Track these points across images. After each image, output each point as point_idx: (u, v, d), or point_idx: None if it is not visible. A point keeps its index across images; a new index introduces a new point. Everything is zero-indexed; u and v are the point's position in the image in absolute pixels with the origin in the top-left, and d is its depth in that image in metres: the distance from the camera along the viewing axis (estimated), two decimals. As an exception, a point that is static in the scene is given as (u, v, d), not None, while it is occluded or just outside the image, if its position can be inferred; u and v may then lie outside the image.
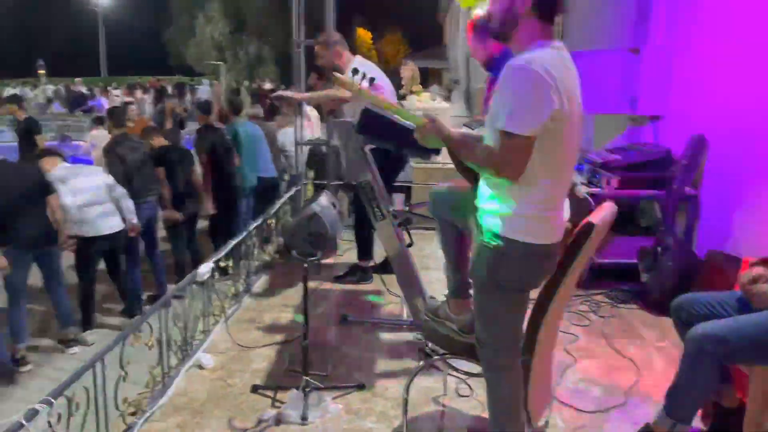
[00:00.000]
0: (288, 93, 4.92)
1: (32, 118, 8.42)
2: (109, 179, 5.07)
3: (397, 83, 15.03)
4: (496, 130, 1.87)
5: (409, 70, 10.92)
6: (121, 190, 5.07)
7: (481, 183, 2.09)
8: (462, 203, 2.37)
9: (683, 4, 4.54)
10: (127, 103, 11.71)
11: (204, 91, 23.39)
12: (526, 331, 2.28)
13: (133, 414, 2.75)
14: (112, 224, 4.97)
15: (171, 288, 4.39)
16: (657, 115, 4.83)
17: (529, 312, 2.28)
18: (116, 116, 5.98)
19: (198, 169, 6.13)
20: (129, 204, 5.10)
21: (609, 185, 4.28)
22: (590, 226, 2.12)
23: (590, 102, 5.49)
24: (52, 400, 2.06)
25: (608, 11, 5.82)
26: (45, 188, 4.73)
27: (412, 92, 11.76)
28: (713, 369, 2.16)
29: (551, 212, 2.00)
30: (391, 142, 3.17)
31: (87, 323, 5.08)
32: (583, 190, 4.33)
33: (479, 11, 8.61)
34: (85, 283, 5.05)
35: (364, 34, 45.83)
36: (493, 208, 2.00)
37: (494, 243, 1.99)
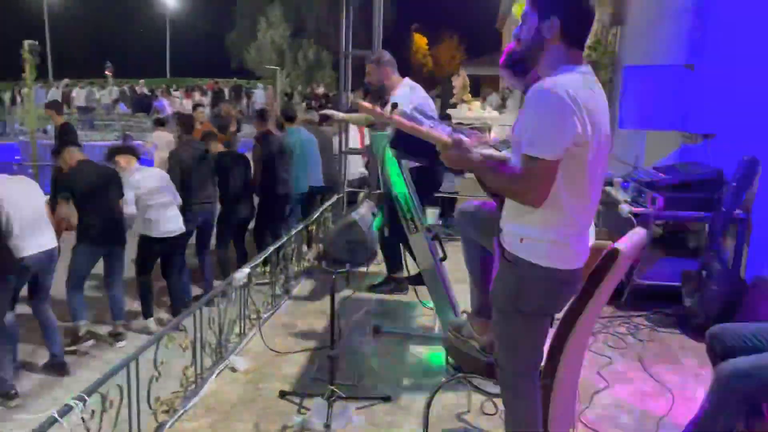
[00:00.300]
0: (330, 112, 5.08)
1: (69, 123, 8.65)
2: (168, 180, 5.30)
3: (449, 91, 15.01)
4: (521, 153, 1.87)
5: (460, 79, 10.92)
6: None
7: (506, 205, 2.09)
8: (487, 223, 2.37)
9: (741, 20, 4.38)
10: (196, 105, 12.13)
11: (259, 95, 23.94)
12: (547, 355, 2.26)
13: (165, 412, 2.86)
14: (174, 227, 5.17)
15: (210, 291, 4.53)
16: (710, 134, 4.67)
17: (550, 334, 2.26)
18: (185, 123, 6.21)
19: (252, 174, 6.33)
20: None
21: (654, 205, 4.16)
22: (615, 253, 2.08)
23: (642, 117, 5.42)
24: (86, 397, 2.18)
25: (664, 26, 5.67)
26: (120, 187, 5.00)
27: (463, 101, 11.75)
28: (739, 406, 2.09)
29: (575, 237, 1.98)
30: (424, 157, 3.19)
31: (147, 313, 5.30)
32: (626, 210, 4.27)
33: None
34: (144, 277, 5.28)
35: (419, 40, 45.90)
36: (516, 231, 2.00)
37: (516, 266, 1.98)
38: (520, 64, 2.79)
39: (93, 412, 2.26)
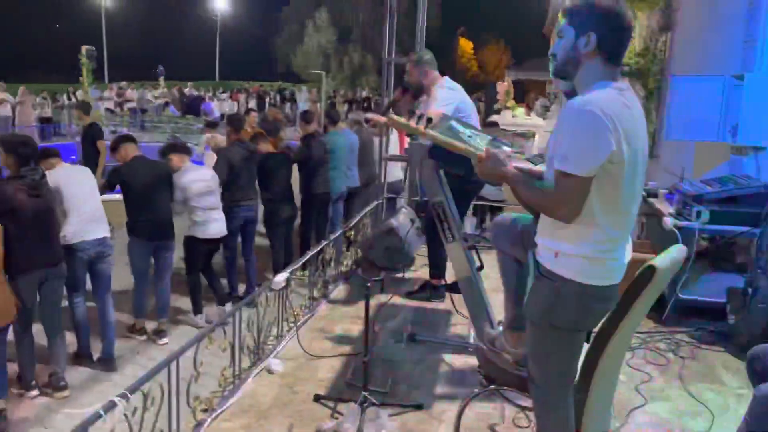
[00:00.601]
0: (372, 115, 5.15)
1: (96, 123, 8.74)
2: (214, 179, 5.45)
3: (493, 96, 14.90)
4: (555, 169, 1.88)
5: (504, 85, 10.85)
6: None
7: (541, 219, 2.09)
8: (523, 237, 2.37)
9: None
10: (249, 110, 12.40)
11: (302, 98, 24.30)
12: (582, 370, 2.24)
13: (204, 411, 2.95)
14: (220, 229, 5.32)
15: (252, 293, 4.63)
16: (760, 146, 4.53)
17: (585, 348, 2.25)
18: (235, 123, 6.39)
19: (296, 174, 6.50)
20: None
21: (699, 219, 4.06)
22: (651, 270, 2.05)
23: (690, 128, 5.30)
24: (129, 395, 2.28)
25: (714, 37, 5.53)
26: (170, 184, 5.19)
27: (507, 107, 11.68)
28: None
29: (610, 254, 1.97)
30: (461, 167, 3.20)
31: (197, 310, 5.47)
32: (670, 223, 4.18)
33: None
34: (193, 276, 5.45)
35: (465, 44, 45.66)
36: (551, 246, 2.00)
37: (550, 281, 1.99)
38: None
39: (135, 409, 2.36)
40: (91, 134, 8.08)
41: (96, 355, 4.82)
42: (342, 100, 24.94)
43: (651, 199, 4.71)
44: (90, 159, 7.89)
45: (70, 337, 4.67)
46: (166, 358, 2.64)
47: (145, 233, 5.08)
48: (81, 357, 4.79)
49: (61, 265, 4.27)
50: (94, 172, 5.37)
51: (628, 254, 2.09)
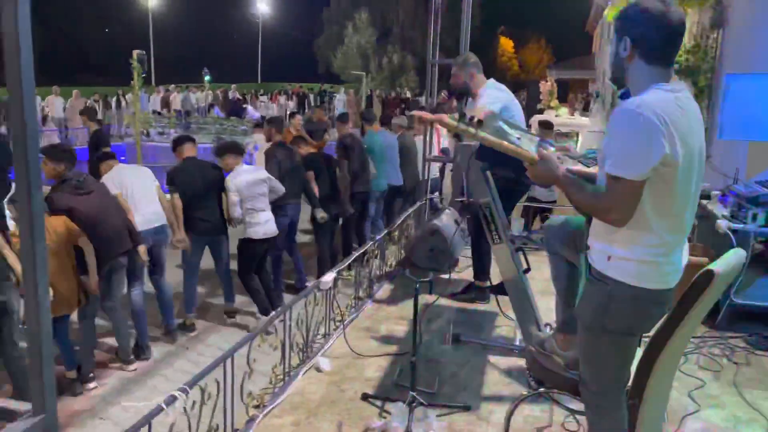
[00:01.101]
0: (419, 112, 5.13)
1: (101, 130, 8.58)
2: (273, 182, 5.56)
3: (536, 95, 14.74)
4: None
5: (547, 84, 10.72)
6: (275, 183, 5.53)
7: (594, 222, 2.08)
8: (575, 239, 2.36)
9: None
10: (293, 113, 12.59)
11: (340, 99, 24.50)
12: (635, 375, 2.22)
13: (256, 407, 3.03)
14: (272, 228, 5.42)
15: (292, 295, 4.70)
16: (819, 146, 4.37)
17: (639, 353, 2.22)
18: (276, 124, 6.57)
19: (340, 174, 6.58)
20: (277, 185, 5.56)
21: (755, 221, 3.95)
22: (710, 275, 2.02)
23: (744, 127, 5.15)
24: (188, 389, 2.36)
25: (767, 33, 5.35)
26: (221, 181, 5.36)
27: (550, 107, 11.54)
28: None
29: (665, 258, 1.94)
30: (509, 168, 3.19)
31: (263, 310, 5.53)
32: (725, 225, 4.07)
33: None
34: (248, 279, 5.50)
35: (505, 43, 45.24)
36: (604, 249, 1.99)
37: (602, 284, 1.97)
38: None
39: (194, 402, 2.44)
40: (96, 140, 7.79)
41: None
42: (379, 101, 25.03)
43: (703, 201, 4.60)
44: (96, 165, 7.75)
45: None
46: (221, 354, 2.72)
47: (196, 229, 5.30)
48: (138, 347, 5.00)
49: (125, 257, 4.61)
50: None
51: (685, 258, 2.06)
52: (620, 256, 1.94)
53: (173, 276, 5.64)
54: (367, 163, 6.65)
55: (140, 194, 4.99)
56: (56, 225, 4.09)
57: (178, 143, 5.50)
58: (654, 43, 1.88)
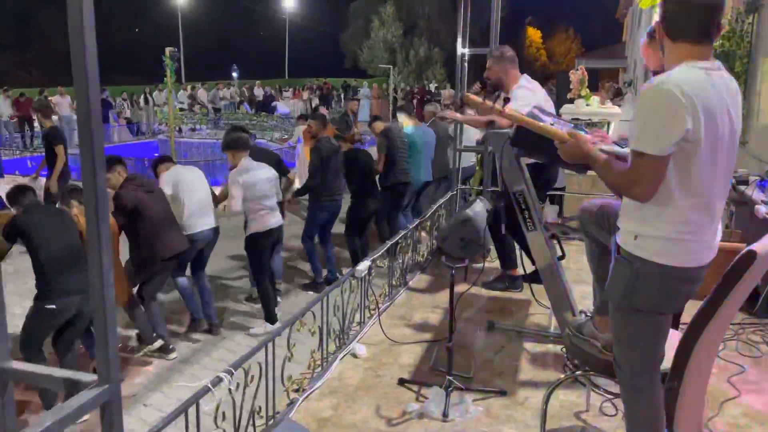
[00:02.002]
0: (447, 113, 5.22)
1: (55, 127, 8.33)
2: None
3: (566, 85, 14.54)
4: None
5: (578, 73, 10.58)
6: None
7: (622, 202, 2.09)
8: (608, 221, 2.37)
9: None
10: (316, 108, 12.68)
11: (364, 93, 24.57)
12: (675, 359, 2.22)
13: (295, 391, 3.10)
14: (276, 219, 5.47)
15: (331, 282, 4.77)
16: None
17: (678, 337, 2.22)
18: (321, 119, 6.65)
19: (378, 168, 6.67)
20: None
21: (795, 206, 3.87)
22: (752, 255, 2.01)
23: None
24: (233, 371, 2.43)
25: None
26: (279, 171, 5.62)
27: (580, 96, 11.38)
28: None
29: (691, 235, 1.94)
30: (544, 155, 3.20)
31: (270, 318, 5.57)
32: (763, 211, 4.00)
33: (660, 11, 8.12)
34: (264, 282, 5.43)
35: (533, 34, 44.75)
36: (631, 228, 2.01)
37: (629, 263, 1.99)
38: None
39: (238, 384, 2.52)
40: (50, 138, 7.59)
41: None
42: (403, 95, 25.08)
43: (741, 187, 4.52)
44: (52, 163, 7.49)
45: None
46: (263, 338, 2.79)
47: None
48: (193, 321, 5.32)
49: (176, 260, 4.85)
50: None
51: (718, 237, 2.04)
52: (647, 235, 1.95)
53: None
54: (405, 157, 6.71)
55: (197, 194, 5.13)
56: None
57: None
58: (675, 19, 1.90)
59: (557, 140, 2.18)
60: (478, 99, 2.66)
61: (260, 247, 5.42)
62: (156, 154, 13.06)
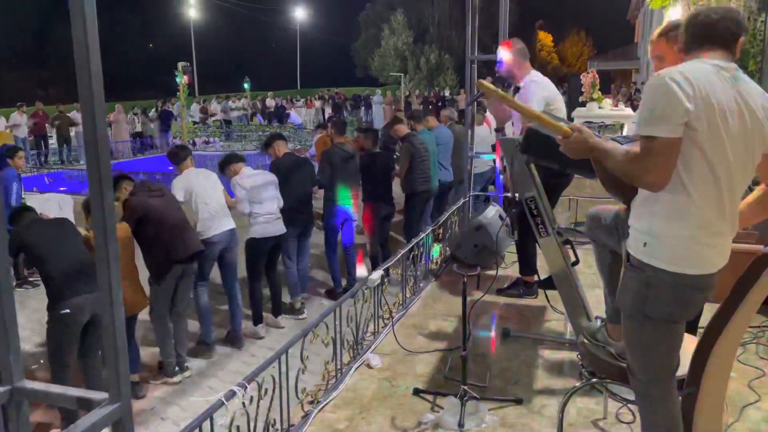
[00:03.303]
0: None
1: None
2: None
3: (578, 88, 14.47)
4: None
5: (589, 76, 10.55)
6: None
7: (633, 203, 2.06)
8: (617, 227, 2.35)
9: None
10: (329, 118, 12.75)
11: (377, 101, 24.63)
12: (692, 364, 2.19)
13: (310, 403, 3.10)
14: (278, 227, 5.52)
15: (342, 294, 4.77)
16: None
17: (695, 342, 2.19)
18: (338, 126, 6.67)
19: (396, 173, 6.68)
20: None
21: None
22: (767, 258, 1.98)
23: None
24: (246, 384, 2.44)
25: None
26: (313, 175, 5.86)
27: (592, 99, 11.33)
28: None
29: (704, 237, 1.91)
30: (554, 161, 3.17)
31: (257, 319, 5.63)
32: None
33: (672, 12, 8.06)
34: (255, 283, 5.60)
35: (544, 38, 44.66)
36: (641, 228, 1.98)
37: (640, 272, 1.96)
38: None
39: (251, 398, 2.52)
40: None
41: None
42: (418, 102, 25.10)
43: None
44: None
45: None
46: (276, 351, 2.79)
47: (289, 219, 5.60)
48: (200, 344, 5.24)
49: (195, 262, 4.83)
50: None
51: (729, 241, 2.00)
52: (659, 235, 1.92)
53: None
54: (427, 163, 6.72)
55: (214, 200, 5.14)
56: (119, 233, 4.30)
57: (271, 141, 5.97)
58: (685, 39, 2.02)
59: (561, 135, 2.13)
60: (491, 86, 2.64)
61: (256, 252, 5.48)
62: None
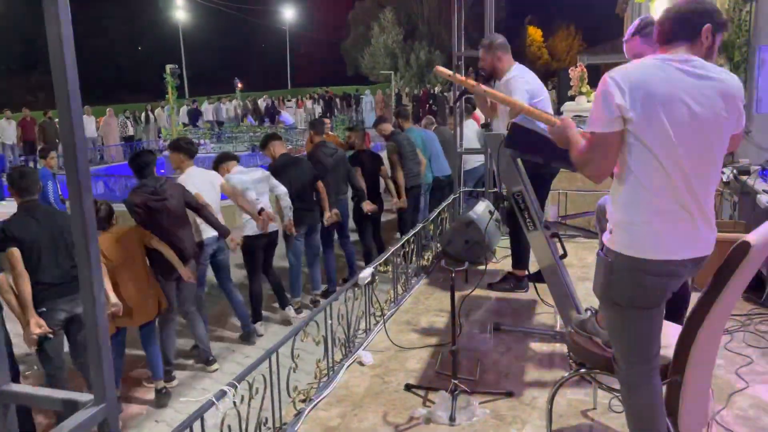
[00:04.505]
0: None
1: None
2: (273, 180, 5.66)
3: (566, 83, 14.51)
4: None
5: (577, 71, 10.56)
6: (282, 190, 5.61)
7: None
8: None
9: None
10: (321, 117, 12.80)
11: (367, 100, 24.66)
12: (675, 352, 2.22)
13: (302, 402, 3.11)
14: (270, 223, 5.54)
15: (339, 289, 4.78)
16: None
17: (679, 330, 2.22)
18: (317, 126, 6.79)
19: (385, 170, 6.71)
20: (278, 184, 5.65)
21: (798, 194, 3.86)
22: (746, 246, 2.01)
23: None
24: (237, 384, 2.45)
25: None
26: (315, 175, 5.87)
27: (581, 93, 11.35)
28: None
29: (661, 224, 1.96)
30: (539, 155, 3.20)
31: (256, 317, 5.68)
32: (765, 200, 3.99)
33: (658, 4, 8.09)
34: (255, 283, 5.66)
35: (533, 32, 44.74)
36: (610, 216, 2.08)
37: (605, 258, 2.06)
38: None
39: (242, 397, 2.53)
40: None
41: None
42: (409, 99, 25.14)
43: (743, 177, 4.51)
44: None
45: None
46: (266, 350, 2.80)
47: (295, 219, 5.64)
48: (195, 348, 5.21)
49: (193, 262, 4.80)
50: None
51: (706, 231, 2.02)
52: (619, 221, 2.02)
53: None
54: (417, 158, 6.78)
55: (211, 200, 5.11)
56: (126, 239, 4.37)
57: (267, 142, 5.98)
58: (667, 31, 2.07)
59: (548, 124, 2.29)
60: (448, 71, 2.69)
61: (252, 249, 5.50)
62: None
